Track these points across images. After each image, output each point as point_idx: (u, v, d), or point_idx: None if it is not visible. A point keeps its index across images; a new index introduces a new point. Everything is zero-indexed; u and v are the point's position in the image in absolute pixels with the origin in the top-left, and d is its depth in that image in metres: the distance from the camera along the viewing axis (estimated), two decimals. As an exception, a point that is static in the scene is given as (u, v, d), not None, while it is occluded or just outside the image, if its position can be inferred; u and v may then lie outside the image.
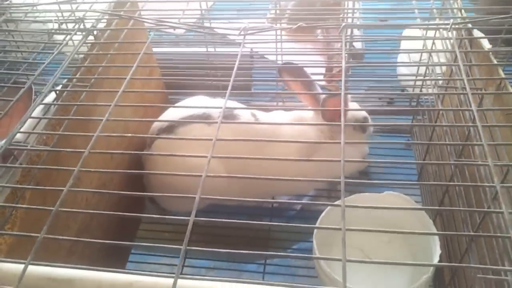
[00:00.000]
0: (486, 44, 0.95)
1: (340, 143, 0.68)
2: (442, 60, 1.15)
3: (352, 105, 1.31)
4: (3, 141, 0.74)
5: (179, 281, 0.52)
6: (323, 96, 1.16)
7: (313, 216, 1.10)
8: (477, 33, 1.05)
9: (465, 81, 0.77)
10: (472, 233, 0.78)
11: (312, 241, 1.03)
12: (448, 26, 0.90)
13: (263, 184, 1.20)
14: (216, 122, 0.72)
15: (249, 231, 1.23)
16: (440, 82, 1.14)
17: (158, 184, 1.21)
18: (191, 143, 1.04)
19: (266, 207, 1.40)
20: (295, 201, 1.40)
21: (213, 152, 0.68)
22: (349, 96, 1.20)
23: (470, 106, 0.72)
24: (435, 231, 1.01)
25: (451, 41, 0.92)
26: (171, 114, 1.25)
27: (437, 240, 0.97)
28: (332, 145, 1.01)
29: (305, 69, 1.20)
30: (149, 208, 1.32)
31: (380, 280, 1.05)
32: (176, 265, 0.55)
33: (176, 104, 1.30)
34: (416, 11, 1.03)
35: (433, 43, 1.14)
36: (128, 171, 1.12)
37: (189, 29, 0.96)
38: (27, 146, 0.80)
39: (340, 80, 0.78)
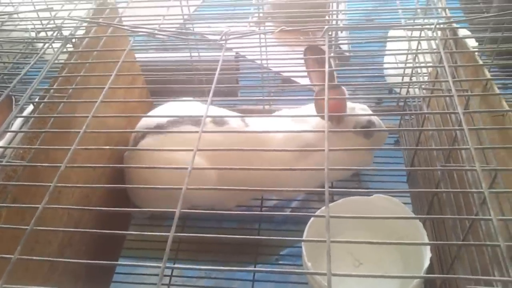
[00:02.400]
0: (472, 43, 0.94)
1: (324, 150, 0.65)
2: (429, 60, 1.14)
3: (357, 106, 1.23)
4: (-22, 157, 0.72)
5: (159, 302, 0.50)
6: (316, 90, 1.10)
7: (304, 219, 1.08)
8: (464, 32, 1.04)
9: (451, 83, 0.76)
10: (461, 242, 0.77)
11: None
12: (433, 27, 0.89)
13: (253, 184, 1.17)
14: (198, 132, 0.71)
15: (239, 236, 1.22)
16: (426, 83, 1.13)
17: (143, 187, 1.18)
18: (181, 145, 1.01)
19: (255, 211, 1.38)
20: (284, 207, 1.39)
21: (203, 155, 0.66)
22: (346, 91, 1.14)
23: (456, 109, 0.71)
24: (425, 233, 1.00)
25: (436, 41, 0.90)
26: (159, 114, 1.22)
27: (428, 243, 0.96)
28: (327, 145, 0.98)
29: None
30: (136, 214, 1.30)
31: (371, 284, 1.03)
32: (166, 275, 0.53)
33: (160, 107, 1.27)
34: (400, 11, 1.02)
35: (419, 43, 1.13)
36: (109, 185, 1.09)
37: (168, 35, 0.94)
38: (2, 161, 0.78)
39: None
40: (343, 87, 1.10)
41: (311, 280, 0.97)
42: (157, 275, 1.15)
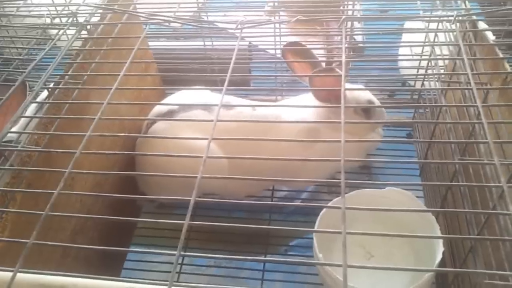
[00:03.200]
0: (490, 36, 0.92)
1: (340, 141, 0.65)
2: (445, 52, 1.12)
3: (356, 87, 1.21)
4: (-7, 142, 0.72)
5: (173, 289, 0.49)
6: (314, 71, 1.07)
7: (314, 211, 1.08)
8: (481, 24, 1.02)
9: (470, 75, 0.74)
10: (476, 237, 0.76)
11: (312, 237, 1.01)
12: (452, 18, 0.87)
13: (263, 170, 1.16)
14: (214, 111, 0.70)
15: (249, 226, 1.22)
16: (443, 76, 1.12)
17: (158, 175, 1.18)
18: (191, 129, 1.00)
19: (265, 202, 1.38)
20: (294, 198, 1.38)
21: (215, 141, 0.65)
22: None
23: (475, 102, 0.70)
24: (437, 227, 0.99)
25: (455, 33, 0.89)
26: (172, 101, 1.21)
27: (440, 237, 0.95)
28: (332, 131, 0.98)
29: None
30: (146, 206, 1.30)
31: (382, 278, 1.03)
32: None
33: (172, 95, 1.27)
34: (418, 2, 1.00)
35: (436, 35, 1.11)
36: (124, 172, 1.10)
37: (184, 23, 0.94)
38: (17, 146, 0.78)
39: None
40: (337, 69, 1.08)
41: (322, 272, 0.97)
42: (167, 263, 1.17)
